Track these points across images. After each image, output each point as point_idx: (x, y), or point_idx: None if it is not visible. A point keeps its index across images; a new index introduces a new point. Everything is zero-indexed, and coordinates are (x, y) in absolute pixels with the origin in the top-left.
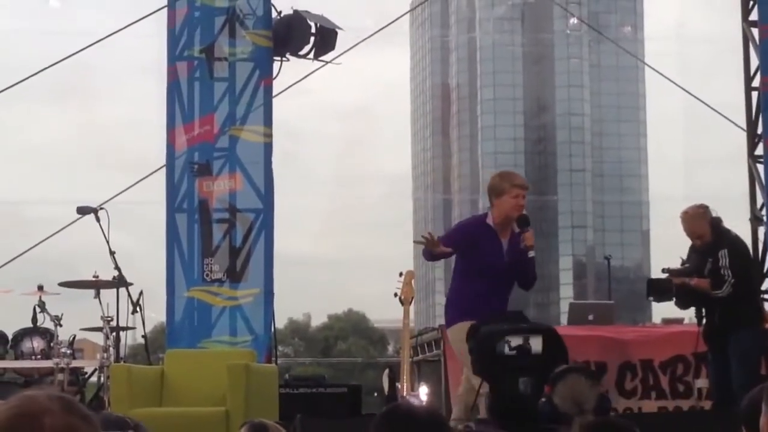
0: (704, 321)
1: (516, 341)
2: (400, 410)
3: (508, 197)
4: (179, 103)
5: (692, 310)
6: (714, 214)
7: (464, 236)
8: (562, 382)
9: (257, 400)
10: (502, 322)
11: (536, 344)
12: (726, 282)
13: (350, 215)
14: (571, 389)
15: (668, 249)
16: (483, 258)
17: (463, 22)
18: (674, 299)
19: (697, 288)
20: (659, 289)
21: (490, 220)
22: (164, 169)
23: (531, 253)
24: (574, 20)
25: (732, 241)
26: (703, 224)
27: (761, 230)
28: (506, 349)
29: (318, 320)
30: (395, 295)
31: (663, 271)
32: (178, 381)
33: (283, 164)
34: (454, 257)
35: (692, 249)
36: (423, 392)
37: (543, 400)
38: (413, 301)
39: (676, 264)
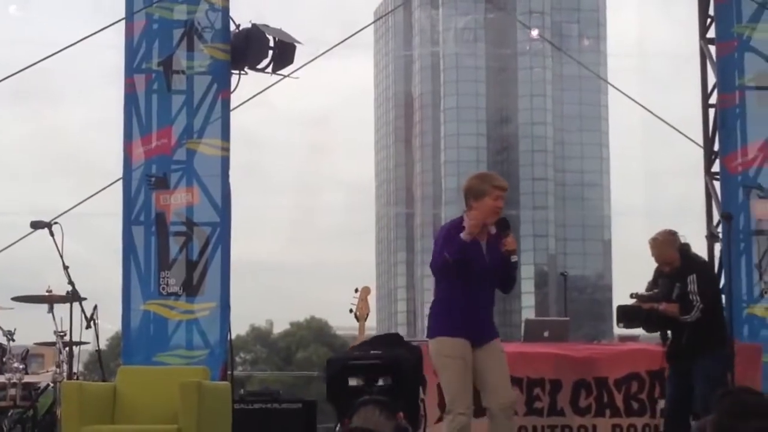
0: (669, 341)
1: (361, 369)
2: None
3: (489, 199)
4: (137, 115)
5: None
6: (682, 240)
7: (460, 243)
8: (356, 415)
9: (210, 417)
10: (373, 347)
11: (383, 371)
12: (695, 307)
13: (313, 223)
14: (364, 421)
15: (629, 259)
16: (468, 262)
17: (425, 32)
18: (643, 324)
19: (666, 313)
20: (629, 316)
21: (466, 224)
22: (121, 181)
23: (513, 258)
24: (535, 33)
25: (701, 266)
26: (672, 251)
27: (717, 247)
28: (354, 381)
29: (280, 327)
30: (350, 311)
31: (631, 296)
32: (131, 398)
33: (246, 173)
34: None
35: (659, 274)
36: None
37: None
38: (368, 317)
39: (641, 288)
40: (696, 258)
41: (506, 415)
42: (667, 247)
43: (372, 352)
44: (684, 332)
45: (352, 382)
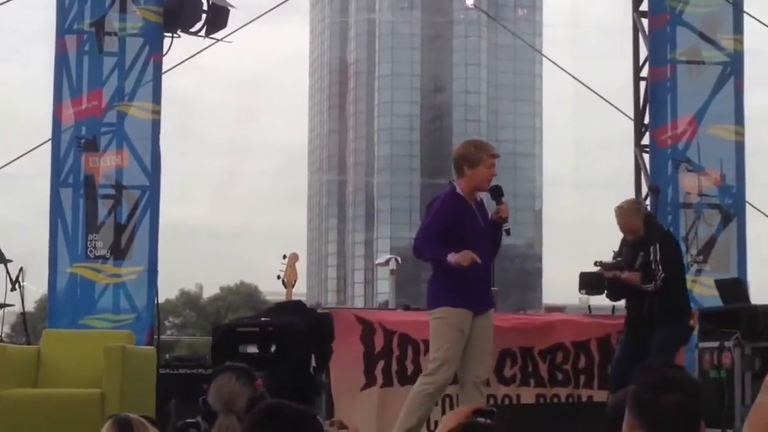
0: (631, 309)
1: (248, 335)
2: (274, 409)
3: (483, 167)
4: (67, 76)
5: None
6: (646, 211)
7: (446, 211)
8: (214, 381)
9: (134, 382)
10: (269, 314)
11: (267, 336)
12: (657, 276)
13: (245, 187)
14: (219, 388)
15: (559, 229)
16: (463, 228)
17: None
18: (605, 292)
19: (628, 281)
20: (591, 283)
21: (459, 190)
22: (50, 142)
23: (506, 226)
24: (470, 2)
25: (664, 236)
26: (636, 219)
27: None
28: (246, 348)
29: (210, 291)
30: (278, 277)
31: (595, 264)
32: (55, 362)
33: (178, 136)
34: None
35: (624, 243)
36: None
37: (202, 397)
38: (296, 284)
39: (608, 257)
40: (660, 228)
41: (477, 388)
42: (632, 215)
43: (262, 319)
44: (645, 302)
45: (244, 349)
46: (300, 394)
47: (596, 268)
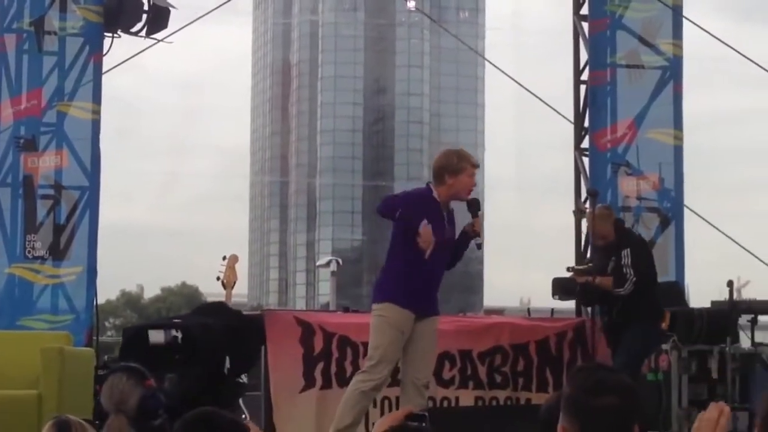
0: (603, 316)
1: (158, 336)
2: (203, 416)
3: (465, 176)
4: (6, 75)
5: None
6: (616, 217)
7: (415, 207)
8: (106, 382)
9: (72, 383)
10: (188, 315)
11: (175, 338)
12: (628, 280)
13: (186, 188)
14: (110, 388)
15: (501, 232)
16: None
17: (305, 0)
18: (578, 297)
19: (600, 286)
20: (563, 288)
21: (436, 195)
22: None
23: (478, 240)
24: (411, 5)
25: (635, 241)
26: (607, 225)
27: (584, 223)
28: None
29: (151, 292)
30: (218, 278)
31: (567, 269)
32: None
33: (118, 137)
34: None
35: (594, 248)
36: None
37: (97, 398)
38: (235, 285)
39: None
40: (630, 233)
41: (418, 390)
42: (603, 221)
43: (174, 320)
44: (616, 306)
45: (152, 350)
46: (212, 396)
47: (569, 274)
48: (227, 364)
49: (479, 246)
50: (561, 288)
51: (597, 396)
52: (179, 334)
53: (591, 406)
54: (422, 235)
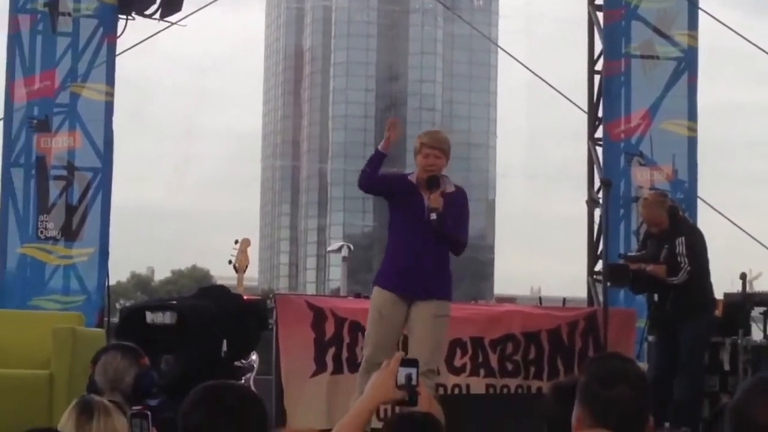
0: (654, 306)
1: (154, 317)
2: (214, 389)
3: (421, 157)
4: (20, 55)
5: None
6: (671, 203)
7: (393, 179)
8: (100, 360)
9: (83, 364)
10: (188, 297)
11: (172, 319)
12: (682, 269)
13: (198, 171)
14: (105, 366)
15: (511, 220)
16: (403, 212)
17: None
18: (630, 284)
19: (653, 274)
20: (616, 275)
21: (413, 177)
22: (1, 122)
23: (433, 215)
24: None
25: (689, 229)
26: (661, 212)
27: (597, 212)
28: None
29: (162, 274)
30: (229, 262)
31: (620, 256)
32: (3, 342)
33: (131, 118)
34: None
35: (648, 235)
36: (254, 359)
37: (90, 377)
38: (247, 269)
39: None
40: (685, 221)
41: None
42: (657, 208)
43: (170, 302)
44: (669, 296)
45: (148, 330)
46: (207, 378)
47: (622, 261)
48: (224, 347)
49: (436, 220)
50: (613, 274)
51: (610, 386)
52: (173, 315)
53: (604, 395)
54: (389, 124)
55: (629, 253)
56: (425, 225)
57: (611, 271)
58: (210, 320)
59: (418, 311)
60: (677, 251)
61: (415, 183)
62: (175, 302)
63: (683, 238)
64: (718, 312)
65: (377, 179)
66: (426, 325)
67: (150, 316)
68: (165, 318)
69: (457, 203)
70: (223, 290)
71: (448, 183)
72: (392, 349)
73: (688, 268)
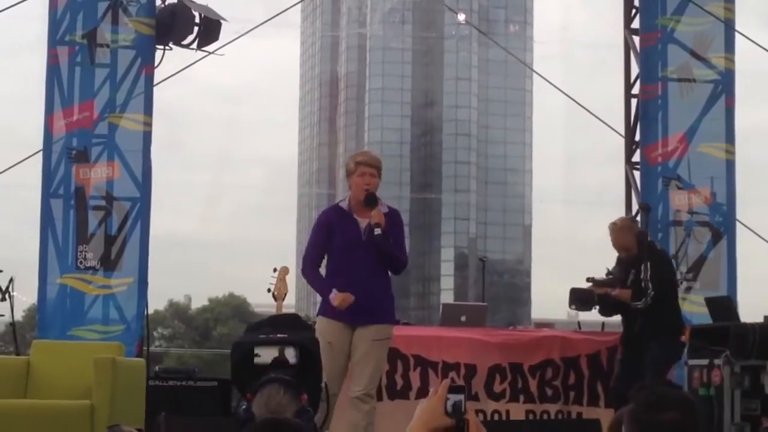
0: (624, 328)
1: (269, 353)
2: (274, 424)
3: (356, 176)
4: (59, 87)
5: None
6: (639, 229)
7: (321, 228)
8: (260, 393)
9: (124, 394)
10: (275, 328)
11: (290, 355)
12: (646, 294)
13: (234, 200)
14: (267, 398)
15: (548, 245)
16: (339, 239)
17: (353, 13)
18: (596, 308)
19: (618, 298)
20: (581, 299)
21: (344, 204)
22: (41, 153)
23: (377, 231)
24: (462, 17)
25: (657, 254)
26: (630, 237)
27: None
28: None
29: (198, 303)
30: (268, 290)
31: (587, 280)
32: (44, 373)
33: (168, 148)
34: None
35: (618, 260)
36: None
37: (243, 406)
38: (286, 297)
39: (599, 274)
40: (653, 246)
41: (352, 403)
42: (625, 233)
43: (279, 335)
44: (638, 320)
45: (258, 361)
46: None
47: (588, 284)
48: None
49: (380, 235)
50: (578, 299)
51: (659, 412)
52: (295, 351)
53: (653, 421)
54: (334, 300)
55: (597, 278)
56: (364, 249)
57: (576, 295)
58: (316, 351)
59: (359, 337)
60: (642, 276)
61: (347, 209)
62: (285, 335)
63: (649, 263)
64: (684, 338)
65: (318, 264)
66: (367, 349)
67: (265, 354)
68: (288, 355)
69: (394, 223)
70: (297, 319)
71: (382, 204)
72: (343, 377)
73: (652, 293)
